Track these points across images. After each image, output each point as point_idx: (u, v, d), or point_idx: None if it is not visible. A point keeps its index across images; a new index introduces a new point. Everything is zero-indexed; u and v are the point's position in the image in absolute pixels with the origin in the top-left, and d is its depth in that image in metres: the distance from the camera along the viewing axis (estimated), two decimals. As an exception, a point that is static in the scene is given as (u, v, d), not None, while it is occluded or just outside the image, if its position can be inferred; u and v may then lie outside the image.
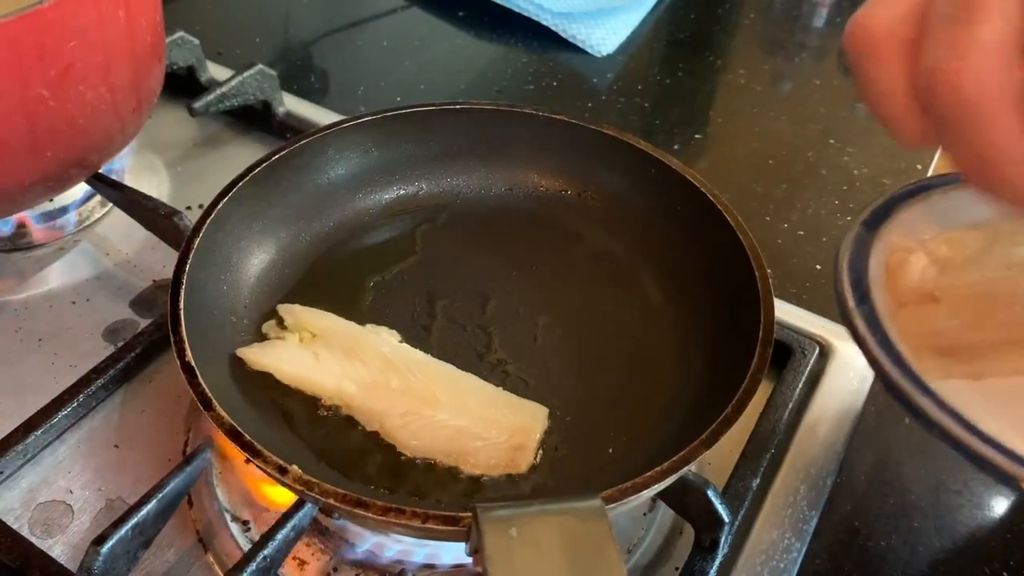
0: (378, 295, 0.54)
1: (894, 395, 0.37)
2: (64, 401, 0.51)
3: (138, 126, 0.58)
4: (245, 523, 0.48)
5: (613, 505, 0.37)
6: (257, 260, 0.54)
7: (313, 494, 0.38)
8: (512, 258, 0.56)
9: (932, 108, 0.31)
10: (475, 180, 0.60)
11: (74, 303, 0.59)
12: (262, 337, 0.51)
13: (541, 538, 0.33)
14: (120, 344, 0.54)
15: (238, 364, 0.48)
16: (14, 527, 0.46)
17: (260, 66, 0.71)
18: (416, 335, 0.52)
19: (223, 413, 0.40)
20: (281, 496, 0.48)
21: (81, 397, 0.51)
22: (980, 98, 0.29)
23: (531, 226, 0.59)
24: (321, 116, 0.73)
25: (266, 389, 0.48)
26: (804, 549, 0.48)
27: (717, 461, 0.52)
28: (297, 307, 0.52)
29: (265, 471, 0.39)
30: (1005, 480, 0.33)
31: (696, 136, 0.80)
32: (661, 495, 0.44)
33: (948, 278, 0.42)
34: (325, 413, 0.47)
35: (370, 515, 0.37)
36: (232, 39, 0.87)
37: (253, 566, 0.40)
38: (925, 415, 0.35)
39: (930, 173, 0.75)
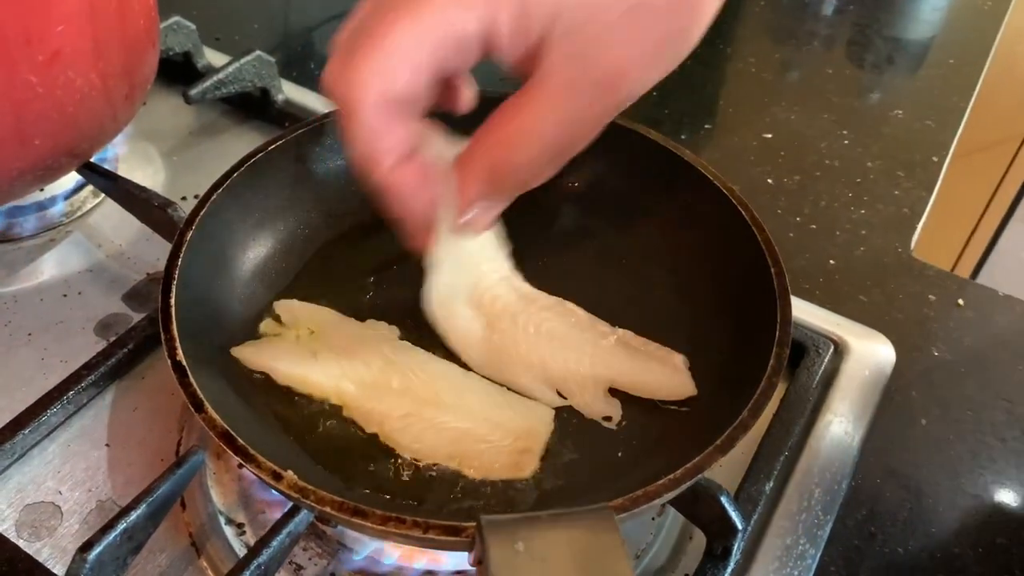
0: (378, 290, 0.53)
1: None
2: (54, 398, 0.49)
3: (131, 114, 0.57)
4: (240, 526, 0.46)
5: (624, 515, 0.36)
6: (253, 254, 0.52)
7: (309, 502, 0.36)
8: (516, 252, 0.55)
9: None
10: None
11: (65, 296, 0.58)
12: (258, 335, 0.49)
13: (548, 551, 0.32)
14: (112, 339, 0.53)
15: (233, 363, 0.47)
16: (0, 529, 0.45)
17: (258, 52, 0.70)
18: (418, 332, 0.50)
19: (215, 415, 0.39)
20: (277, 498, 0.46)
21: (71, 394, 0.50)
22: None
23: (535, 218, 0.57)
24: (321, 104, 0.71)
25: (261, 389, 0.46)
26: (819, 555, 0.47)
27: (728, 464, 0.49)
28: (295, 302, 0.51)
29: (259, 477, 0.37)
30: None
31: (705, 126, 0.78)
32: (671, 500, 0.43)
33: None
34: (323, 414, 0.46)
35: (368, 524, 0.35)
36: (230, 24, 0.85)
37: (247, 574, 0.39)
38: None
39: (942, 172, 0.73)
